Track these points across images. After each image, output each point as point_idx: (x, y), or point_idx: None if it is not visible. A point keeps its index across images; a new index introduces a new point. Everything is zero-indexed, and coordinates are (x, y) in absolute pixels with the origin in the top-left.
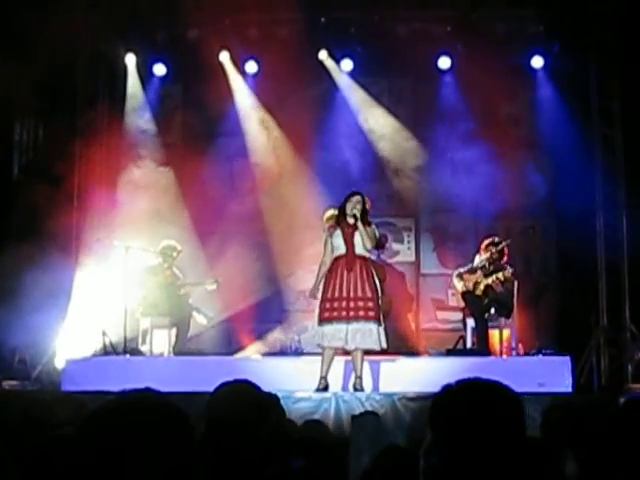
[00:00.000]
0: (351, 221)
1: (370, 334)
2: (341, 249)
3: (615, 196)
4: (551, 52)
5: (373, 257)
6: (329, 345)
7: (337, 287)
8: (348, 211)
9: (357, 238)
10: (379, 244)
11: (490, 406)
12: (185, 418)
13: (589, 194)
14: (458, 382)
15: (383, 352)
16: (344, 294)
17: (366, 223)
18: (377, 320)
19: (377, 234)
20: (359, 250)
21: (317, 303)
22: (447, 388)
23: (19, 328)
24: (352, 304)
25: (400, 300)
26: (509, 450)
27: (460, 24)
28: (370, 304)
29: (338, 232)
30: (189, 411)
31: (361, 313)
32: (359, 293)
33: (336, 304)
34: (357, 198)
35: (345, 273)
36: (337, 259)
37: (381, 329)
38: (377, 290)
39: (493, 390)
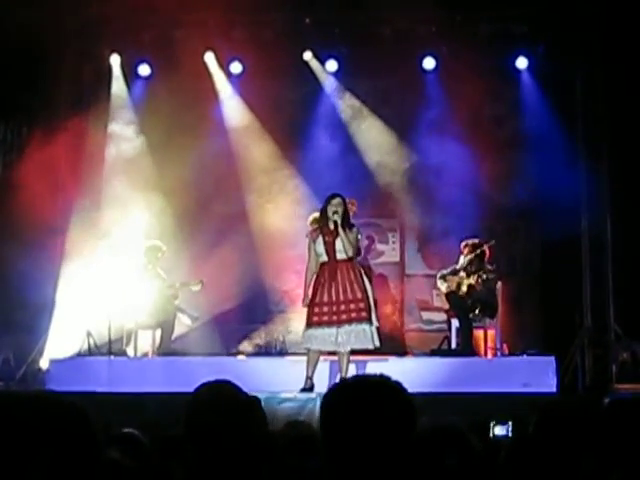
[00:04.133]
0: (332, 226)
1: (364, 334)
2: (323, 257)
3: (599, 196)
4: (536, 53)
5: (365, 262)
6: (318, 348)
7: (325, 292)
8: (329, 214)
9: (338, 245)
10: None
11: (375, 404)
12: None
13: (573, 194)
14: (344, 380)
15: (368, 352)
16: (333, 298)
17: (347, 227)
18: (369, 320)
19: (359, 237)
20: (340, 255)
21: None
22: (333, 387)
23: (3, 328)
24: (343, 307)
25: (383, 301)
26: (394, 449)
27: (445, 25)
28: (361, 305)
29: (319, 239)
30: (172, 411)
31: (353, 315)
32: (349, 296)
33: (325, 308)
34: (338, 200)
35: (331, 280)
36: (322, 265)
37: (373, 328)
38: (367, 290)
39: (380, 387)
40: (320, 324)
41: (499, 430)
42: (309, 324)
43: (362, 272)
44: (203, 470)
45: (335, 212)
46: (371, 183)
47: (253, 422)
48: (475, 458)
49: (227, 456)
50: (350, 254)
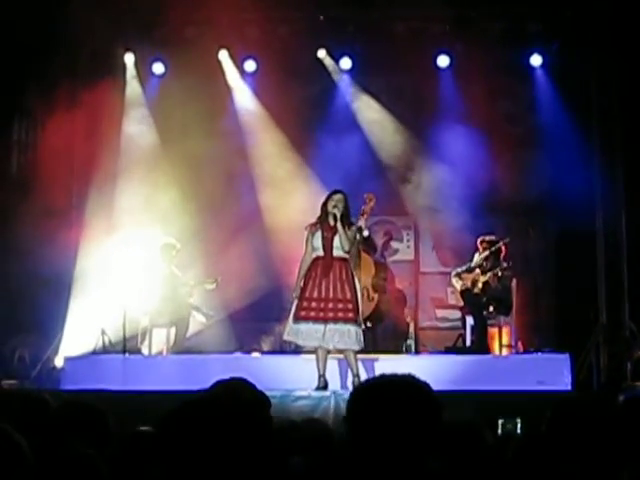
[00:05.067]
0: (331, 222)
1: (349, 335)
2: (319, 251)
3: (614, 194)
4: (550, 50)
5: (382, 259)
6: (304, 343)
7: (315, 288)
8: (330, 209)
9: (336, 241)
10: (370, 245)
11: (403, 402)
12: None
13: (588, 192)
14: (373, 379)
15: (380, 351)
16: (322, 295)
17: (346, 224)
18: (356, 321)
19: (357, 236)
20: (337, 252)
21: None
22: (362, 385)
23: (18, 326)
24: (331, 305)
25: (398, 299)
26: (421, 445)
27: (459, 22)
28: (349, 305)
29: (318, 234)
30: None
31: (340, 314)
32: (338, 295)
33: (314, 304)
34: (339, 197)
35: (323, 276)
36: (316, 260)
37: (359, 330)
38: (356, 291)
39: (407, 386)
40: (307, 319)
41: (509, 427)
42: (296, 318)
43: (354, 273)
44: (203, 469)
45: (335, 207)
46: (385, 181)
47: (259, 423)
48: (490, 454)
49: (235, 452)
50: (346, 248)
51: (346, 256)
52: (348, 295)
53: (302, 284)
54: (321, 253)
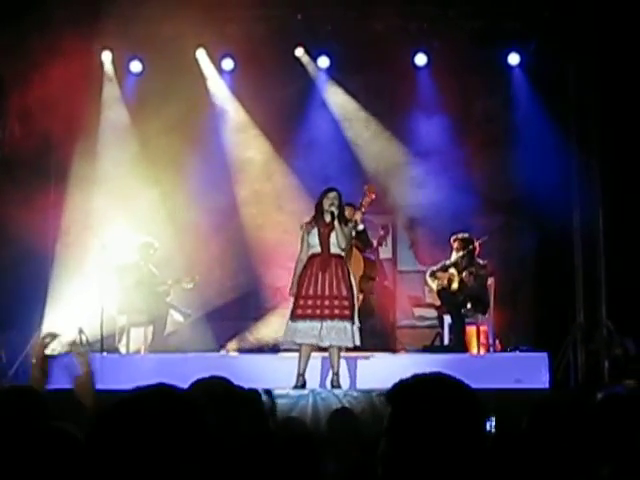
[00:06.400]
0: (327, 219)
1: (345, 332)
2: (316, 248)
3: (591, 192)
4: (528, 49)
5: (372, 256)
6: (302, 342)
7: (312, 285)
8: (326, 207)
9: (333, 237)
10: (367, 244)
11: (448, 401)
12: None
13: (565, 191)
14: (415, 376)
15: (358, 349)
16: (319, 292)
17: (343, 221)
18: (351, 319)
19: (353, 233)
20: (334, 249)
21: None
22: (403, 382)
23: None
24: (327, 302)
25: (383, 297)
26: (465, 445)
27: (436, 21)
28: (345, 303)
29: (314, 231)
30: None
31: (336, 312)
32: (334, 292)
33: (310, 302)
34: (334, 194)
35: (320, 272)
36: (312, 257)
37: (355, 327)
38: (353, 289)
39: (451, 385)
40: (304, 317)
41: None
42: (293, 317)
43: (350, 271)
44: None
45: (332, 204)
46: (363, 179)
47: (251, 417)
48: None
49: (225, 449)
50: (343, 245)
51: (342, 253)
52: (344, 292)
53: (298, 283)
54: (318, 250)
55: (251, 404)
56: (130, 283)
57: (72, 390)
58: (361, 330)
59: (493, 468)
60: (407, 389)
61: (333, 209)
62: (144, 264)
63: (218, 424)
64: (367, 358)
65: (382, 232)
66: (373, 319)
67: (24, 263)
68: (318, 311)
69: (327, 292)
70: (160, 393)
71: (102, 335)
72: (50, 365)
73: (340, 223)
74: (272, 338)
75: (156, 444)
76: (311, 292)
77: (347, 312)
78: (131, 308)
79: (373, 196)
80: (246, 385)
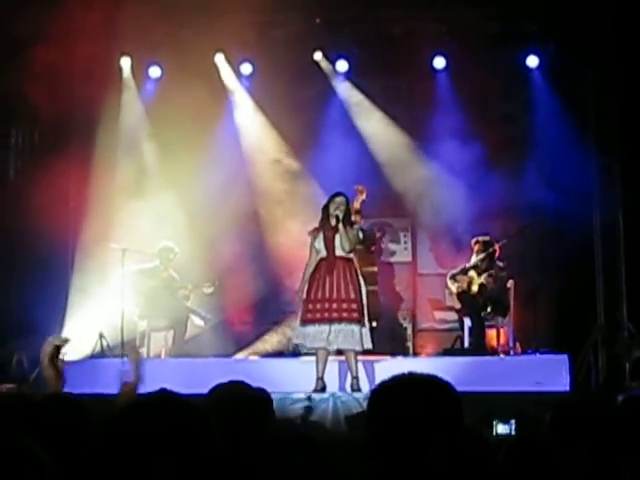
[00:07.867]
0: (333, 223)
1: (352, 335)
2: (322, 252)
3: (611, 194)
4: (546, 51)
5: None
6: (312, 346)
7: (320, 289)
8: (331, 211)
9: (337, 240)
10: (369, 243)
11: (426, 400)
12: (205, 416)
13: (586, 193)
14: (393, 378)
15: (377, 353)
16: (327, 296)
17: (348, 225)
18: (360, 321)
19: (360, 236)
20: (339, 252)
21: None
22: (382, 384)
23: (16, 330)
24: (335, 305)
25: (395, 300)
26: (444, 443)
27: (455, 24)
28: (353, 305)
29: (320, 236)
30: None
31: (344, 314)
32: (342, 295)
33: (319, 305)
34: (341, 199)
35: (327, 276)
36: (320, 261)
37: (364, 330)
38: (361, 291)
39: (429, 384)
40: (313, 321)
41: (502, 429)
42: (303, 321)
43: (358, 273)
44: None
45: (337, 209)
46: (382, 182)
47: (266, 420)
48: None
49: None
50: (347, 248)
51: (350, 256)
52: (352, 295)
53: (307, 286)
54: (324, 254)
55: (267, 408)
56: (150, 288)
57: (116, 396)
58: (372, 332)
59: (514, 471)
60: (382, 392)
61: (338, 213)
62: (164, 269)
63: (234, 429)
64: (387, 361)
65: (378, 234)
66: (382, 321)
67: (45, 268)
68: (327, 314)
69: (335, 295)
70: (161, 400)
71: (123, 340)
72: (65, 369)
73: (345, 226)
74: (291, 342)
75: (157, 449)
76: (319, 296)
77: (355, 315)
78: (151, 313)
79: (364, 196)
80: (266, 389)
